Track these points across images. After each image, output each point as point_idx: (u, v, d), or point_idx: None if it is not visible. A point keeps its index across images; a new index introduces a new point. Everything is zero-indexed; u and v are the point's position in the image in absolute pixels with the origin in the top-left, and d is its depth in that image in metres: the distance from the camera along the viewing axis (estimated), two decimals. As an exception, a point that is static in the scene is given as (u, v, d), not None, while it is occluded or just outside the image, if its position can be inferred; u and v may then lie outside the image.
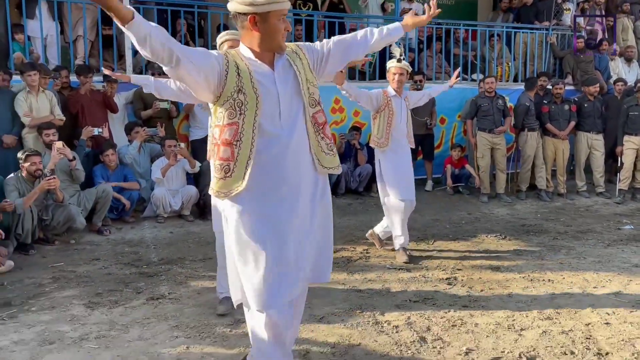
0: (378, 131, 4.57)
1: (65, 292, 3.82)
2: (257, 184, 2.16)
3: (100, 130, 5.77)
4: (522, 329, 3.14)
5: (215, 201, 3.30)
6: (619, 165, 7.42)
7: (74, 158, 5.22)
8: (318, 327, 3.19)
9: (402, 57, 4.54)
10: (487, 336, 3.05)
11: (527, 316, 3.32)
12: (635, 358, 2.78)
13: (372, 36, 2.47)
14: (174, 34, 7.18)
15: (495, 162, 7.23)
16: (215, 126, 2.21)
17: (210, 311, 3.43)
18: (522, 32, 8.96)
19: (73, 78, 6.24)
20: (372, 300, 3.62)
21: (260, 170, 2.15)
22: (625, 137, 7.26)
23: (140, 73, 7.02)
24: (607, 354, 2.83)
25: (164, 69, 2.08)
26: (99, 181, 5.72)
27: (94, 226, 5.45)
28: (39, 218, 4.90)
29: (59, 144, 4.94)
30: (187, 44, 7.22)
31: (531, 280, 4.02)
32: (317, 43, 2.43)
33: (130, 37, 1.99)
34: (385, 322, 3.25)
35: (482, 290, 3.81)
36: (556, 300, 3.59)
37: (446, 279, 4.08)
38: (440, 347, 2.93)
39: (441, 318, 3.30)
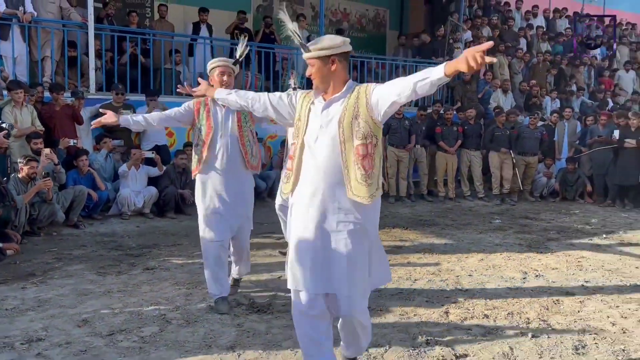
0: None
1: (74, 266, 4.87)
2: (298, 192, 2.63)
3: (75, 141, 6.77)
4: (415, 280, 4.66)
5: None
6: (492, 175, 9.44)
7: (59, 163, 6.20)
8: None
9: (296, 86, 5.02)
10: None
11: (418, 272, 4.87)
12: (479, 283, 4.37)
13: (408, 84, 2.37)
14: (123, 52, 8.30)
15: (400, 172, 8.94)
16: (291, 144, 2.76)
17: (199, 272, 4.65)
18: (422, 65, 10.86)
19: (45, 94, 7.15)
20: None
21: (301, 182, 2.60)
22: (491, 153, 9.30)
23: (101, 90, 8.07)
24: (466, 290, 4.40)
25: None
26: (70, 184, 6.69)
27: (70, 221, 6.40)
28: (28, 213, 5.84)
29: (47, 151, 5.92)
30: (135, 62, 8.33)
31: (424, 255, 5.60)
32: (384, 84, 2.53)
33: (222, 101, 2.98)
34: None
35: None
36: (439, 265, 5.17)
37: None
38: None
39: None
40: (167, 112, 3.91)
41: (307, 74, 2.58)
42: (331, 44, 2.51)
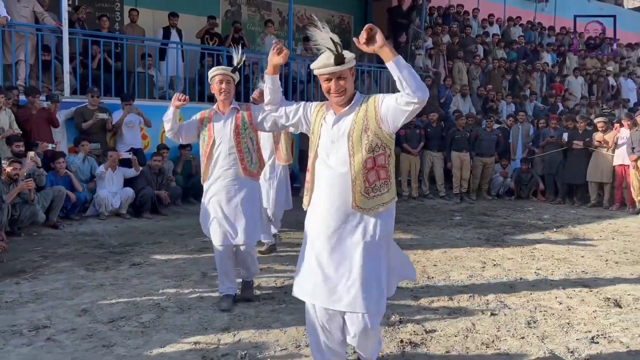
0: (286, 149, 5.57)
1: (62, 263, 5.08)
2: (313, 205, 2.65)
3: (53, 145, 6.93)
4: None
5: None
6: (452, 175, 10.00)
7: (40, 165, 6.35)
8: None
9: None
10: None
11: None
12: (444, 272, 4.82)
13: (401, 96, 2.41)
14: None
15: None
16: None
17: (184, 267, 4.95)
18: (385, 71, 11.35)
19: (21, 97, 7.26)
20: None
21: (316, 195, 2.63)
22: (453, 154, 9.87)
23: (75, 94, 8.21)
24: (432, 278, 4.85)
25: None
26: (48, 186, 6.83)
27: (50, 221, 6.56)
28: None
29: (31, 154, 6.08)
30: (108, 66, 8.51)
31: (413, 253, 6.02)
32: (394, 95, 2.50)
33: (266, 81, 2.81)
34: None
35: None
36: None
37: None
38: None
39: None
40: (182, 126, 3.95)
41: (335, 89, 2.50)
42: (352, 55, 2.51)
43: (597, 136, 9.51)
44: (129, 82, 8.84)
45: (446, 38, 13.05)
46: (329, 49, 2.44)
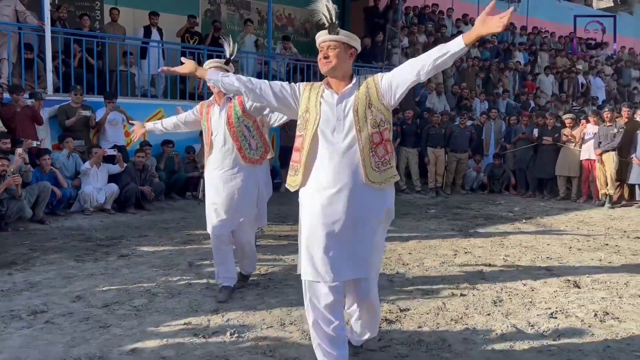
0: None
1: (51, 256, 5.24)
2: (313, 183, 2.64)
3: (38, 142, 7.06)
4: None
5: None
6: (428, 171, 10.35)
7: (28, 162, 6.49)
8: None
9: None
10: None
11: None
12: (418, 259, 5.13)
13: (428, 60, 2.51)
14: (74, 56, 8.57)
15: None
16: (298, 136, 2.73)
17: (171, 257, 5.16)
18: (362, 69, 11.65)
19: (4, 95, 7.36)
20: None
21: (315, 173, 2.64)
22: (429, 150, 10.22)
23: (57, 92, 8.32)
24: (407, 264, 5.14)
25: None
26: (33, 182, 6.96)
27: (36, 217, 6.69)
28: (-4, 209, 6.12)
29: (19, 150, 6.21)
30: (90, 65, 8.66)
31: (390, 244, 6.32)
32: (392, 71, 2.66)
33: (213, 83, 2.87)
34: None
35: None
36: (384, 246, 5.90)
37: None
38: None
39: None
40: (178, 117, 4.22)
41: (323, 55, 2.59)
42: (355, 37, 2.65)
43: (566, 132, 9.94)
44: (111, 80, 8.98)
45: (422, 37, 13.42)
46: (324, 15, 2.55)
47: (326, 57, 2.60)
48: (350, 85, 2.64)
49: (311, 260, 2.59)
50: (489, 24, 2.34)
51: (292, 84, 2.79)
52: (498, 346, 3.18)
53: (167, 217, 7.46)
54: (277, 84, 2.77)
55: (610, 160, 9.13)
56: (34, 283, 4.32)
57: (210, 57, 10.20)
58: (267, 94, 2.75)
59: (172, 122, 4.29)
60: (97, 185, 7.45)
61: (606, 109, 9.68)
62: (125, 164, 7.70)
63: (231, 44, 3.81)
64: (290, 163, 2.77)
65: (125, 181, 7.60)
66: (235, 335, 3.28)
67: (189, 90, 9.83)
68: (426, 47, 13.22)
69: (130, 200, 7.58)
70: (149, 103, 9.12)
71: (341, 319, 2.65)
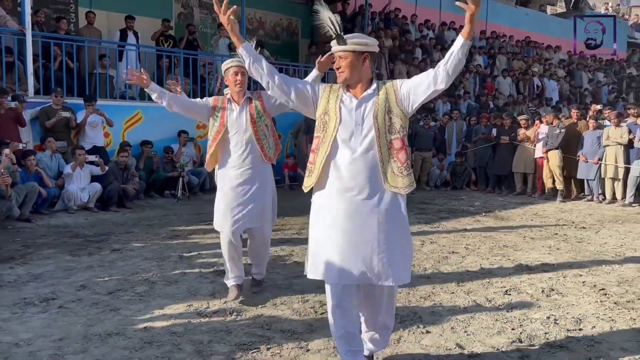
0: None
1: (46, 251, 5.54)
2: (329, 186, 2.68)
3: (24, 145, 7.30)
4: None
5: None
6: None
7: (16, 162, 6.73)
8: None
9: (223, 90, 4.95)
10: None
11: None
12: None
13: (438, 68, 2.56)
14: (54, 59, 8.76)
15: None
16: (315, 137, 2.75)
17: (161, 251, 5.54)
18: (332, 72, 12.13)
19: (-12, 97, 7.56)
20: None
21: (332, 176, 2.66)
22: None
23: (38, 94, 8.54)
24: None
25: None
26: (19, 182, 7.19)
27: (23, 215, 6.94)
28: (-15, 208, 6.36)
29: (6, 151, 6.46)
30: (67, 69, 8.90)
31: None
32: (412, 79, 2.70)
33: (243, 56, 2.74)
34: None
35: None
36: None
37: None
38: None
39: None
40: (191, 100, 4.04)
41: (336, 66, 2.65)
42: (366, 41, 2.63)
43: (521, 132, 10.69)
44: (90, 82, 9.22)
45: (388, 42, 14.01)
46: (330, 28, 2.61)
47: (338, 68, 2.65)
48: (370, 90, 2.67)
49: (324, 260, 2.63)
50: (468, 6, 2.40)
51: (313, 84, 2.83)
52: (461, 317, 3.72)
53: (149, 214, 7.79)
54: (300, 81, 2.81)
55: (554, 157, 9.92)
56: (37, 275, 4.65)
57: (185, 60, 10.56)
58: (292, 89, 2.74)
59: (181, 101, 3.96)
60: (80, 185, 7.73)
61: (549, 113, 10.53)
62: (106, 167, 7.98)
63: (253, 44, 3.75)
64: (307, 164, 2.80)
65: (109, 180, 7.89)
66: (235, 314, 3.73)
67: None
68: (392, 51, 13.86)
69: (113, 199, 7.89)
70: (127, 105, 9.41)
71: (356, 320, 2.75)
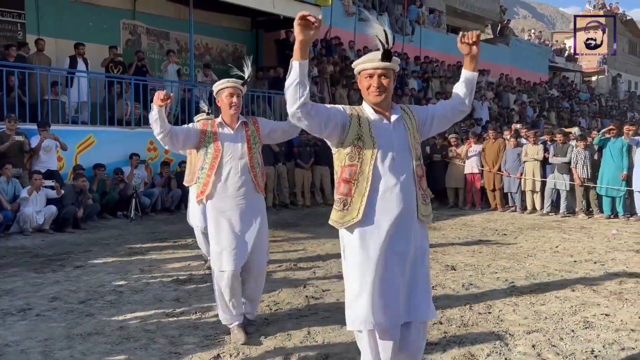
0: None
1: (10, 269, 5.82)
2: (369, 220, 2.41)
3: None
4: (290, 258, 6.44)
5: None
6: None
7: (-24, 185, 6.97)
8: (189, 266, 6.02)
9: (209, 111, 5.16)
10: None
11: (291, 254, 6.66)
12: (336, 257, 6.30)
13: (459, 97, 2.56)
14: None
15: (267, 185, 10.78)
16: (339, 166, 2.50)
17: (122, 266, 5.95)
18: (277, 96, 12.83)
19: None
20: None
21: (371, 208, 2.41)
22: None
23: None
24: (326, 261, 6.30)
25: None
26: (-26, 205, 7.42)
27: (-22, 238, 7.16)
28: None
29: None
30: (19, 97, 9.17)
31: (293, 243, 7.42)
32: (426, 107, 2.68)
33: (294, 70, 2.36)
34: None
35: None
36: (306, 249, 7.02)
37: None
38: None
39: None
40: (184, 127, 3.69)
41: (375, 84, 2.43)
42: (398, 60, 2.51)
43: (453, 150, 11.70)
44: (42, 108, 9.48)
45: (330, 67, 14.86)
46: (380, 40, 2.40)
47: (379, 87, 2.44)
48: (398, 111, 2.55)
49: (370, 306, 2.41)
50: (460, 48, 2.50)
51: (339, 107, 2.55)
52: (393, 308, 4.40)
53: (105, 234, 8.12)
54: (330, 106, 2.53)
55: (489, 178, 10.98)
56: (8, 290, 4.99)
57: (136, 85, 10.93)
58: (325, 117, 2.46)
59: (174, 128, 3.56)
60: (36, 208, 7.98)
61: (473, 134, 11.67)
62: (62, 191, 8.26)
63: (249, 65, 3.64)
64: (337, 196, 2.53)
65: (65, 202, 8.17)
66: (199, 313, 4.26)
67: (117, 117, 10.45)
68: (333, 76, 14.71)
69: (69, 221, 8.17)
70: (79, 129, 9.71)
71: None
